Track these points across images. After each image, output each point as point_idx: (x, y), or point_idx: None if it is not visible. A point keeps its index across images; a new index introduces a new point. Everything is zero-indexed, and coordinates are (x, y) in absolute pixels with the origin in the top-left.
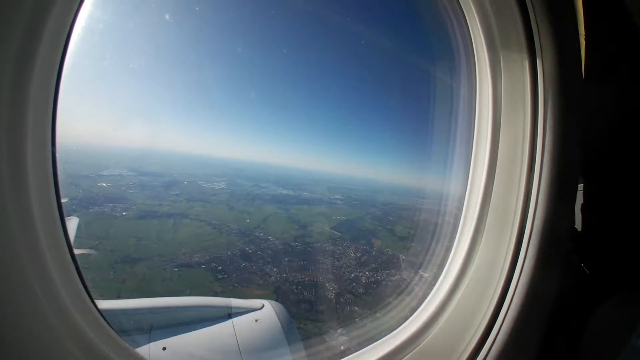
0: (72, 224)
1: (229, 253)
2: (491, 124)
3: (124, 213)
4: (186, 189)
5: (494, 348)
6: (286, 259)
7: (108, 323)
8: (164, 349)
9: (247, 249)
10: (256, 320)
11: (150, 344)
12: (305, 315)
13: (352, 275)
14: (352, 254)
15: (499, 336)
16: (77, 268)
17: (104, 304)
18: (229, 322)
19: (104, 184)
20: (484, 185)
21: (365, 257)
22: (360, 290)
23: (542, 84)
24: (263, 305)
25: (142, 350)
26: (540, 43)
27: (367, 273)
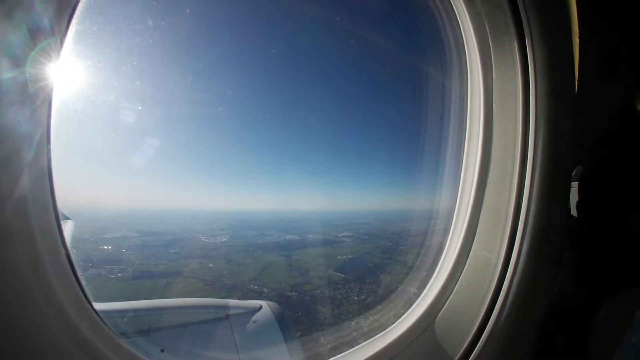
0: (69, 226)
1: None
2: (483, 122)
3: (119, 275)
4: (186, 246)
5: (487, 347)
6: None
7: (106, 324)
8: (162, 350)
9: None
10: (254, 321)
11: (149, 345)
12: None
13: (353, 322)
14: (355, 297)
15: (493, 335)
16: (73, 270)
17: (101, 306)
18: (227, 323)
19: (106, 247)
20: (476, 182)
21: (370, 298)
22: (361, 341)
23: (533, 82)
24: (261, 306)
25: (140, 352)
26: (532, 41)
27: (370, 318)
